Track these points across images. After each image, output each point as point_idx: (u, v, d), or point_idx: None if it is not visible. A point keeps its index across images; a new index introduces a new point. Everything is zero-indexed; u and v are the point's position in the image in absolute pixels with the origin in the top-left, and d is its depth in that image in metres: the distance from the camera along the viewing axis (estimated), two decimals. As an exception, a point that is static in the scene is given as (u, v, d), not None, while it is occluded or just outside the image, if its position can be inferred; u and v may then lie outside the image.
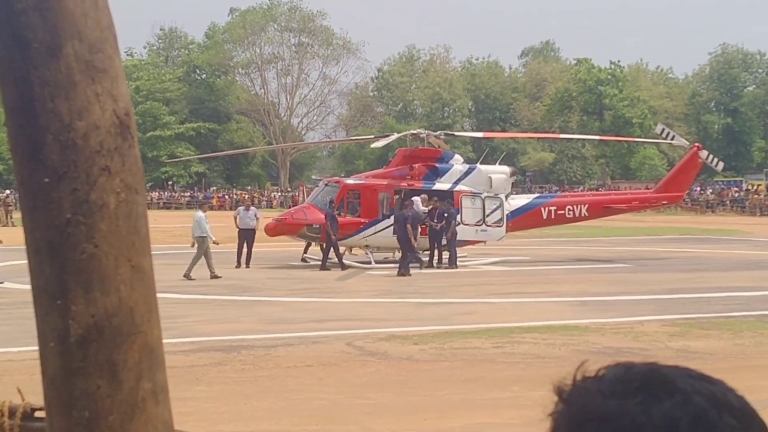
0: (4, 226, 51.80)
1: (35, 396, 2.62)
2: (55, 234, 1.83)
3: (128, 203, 1.87)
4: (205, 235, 24.72)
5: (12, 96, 1.85)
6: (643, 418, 1.09)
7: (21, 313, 17.99)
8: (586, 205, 32.73)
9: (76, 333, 1.83)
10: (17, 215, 53.79)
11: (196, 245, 24.79)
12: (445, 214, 27.72)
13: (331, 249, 27.23)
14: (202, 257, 24.33)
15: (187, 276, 23.54)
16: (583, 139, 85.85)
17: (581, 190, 70.98)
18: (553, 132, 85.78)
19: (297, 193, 67.63)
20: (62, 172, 1.82)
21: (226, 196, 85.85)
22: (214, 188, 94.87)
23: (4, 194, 60.02)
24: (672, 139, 34.83)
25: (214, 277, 23.89)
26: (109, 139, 1.86)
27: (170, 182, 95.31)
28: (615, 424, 1.10)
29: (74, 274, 1.82)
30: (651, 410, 1.09)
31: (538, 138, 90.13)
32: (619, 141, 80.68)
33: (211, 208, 76.75)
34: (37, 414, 2.62)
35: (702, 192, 75.55)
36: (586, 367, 1.22)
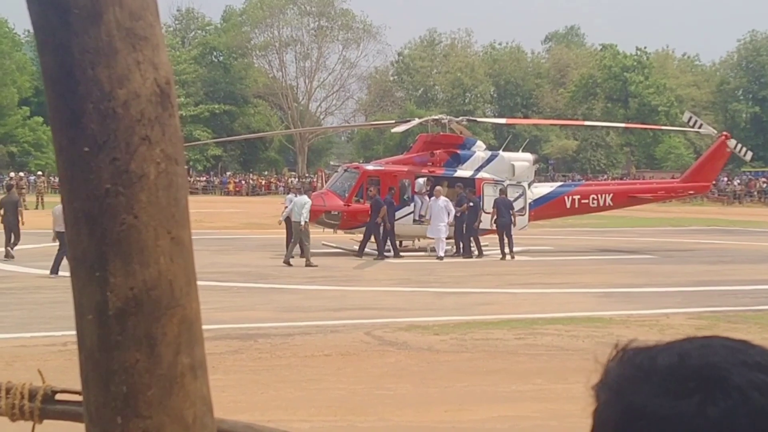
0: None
1: (50, 381, 2.62)
2: (94, 204, 1.81)
3: (168, 174, 1.86)
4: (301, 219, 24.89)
5: (51, 64, 1.85)
6: (699, 420, 1.05)
7: (33, 298, 18.14)
8: (611, 194, 32.60)
9: (114, 305, 1.82)
10: (30, 199, 54.08)
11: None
12: (470, 203, 27.63)
13: (372, 236, 27.45)
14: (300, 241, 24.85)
15: (309, 263, 24.46)
16: (608, 127, 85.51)
17: (605, 179, 70.70)
18: (577, 119, 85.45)
19: (315, 179, 67.70)
20: (102, 141, 1.81)
21: (243, 182, 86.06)
22: (230, 173, 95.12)
23: (18, 176, 60.38)
24: (699, 127, 34.63)
25: (309, 265, 24.45)
26: (150, 108, 1.85)
27: (186, 166, 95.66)
28: (668, 426, 1.06)
29: (113, 245, 1.81)
30: (707, 412, 1.05)
31: (562, 125, 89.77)
32: (645, 129, 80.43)
33: (227, 194, 77.23)
34: (58, 397, 2.61)
35: (729, 182, 75.17)
36: (635, 345, 1.15)
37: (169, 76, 1.90)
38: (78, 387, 2.67)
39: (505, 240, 27.60)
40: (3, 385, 2.66)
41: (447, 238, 28.34)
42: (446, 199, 27.44)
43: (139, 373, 1.83)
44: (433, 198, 27.75)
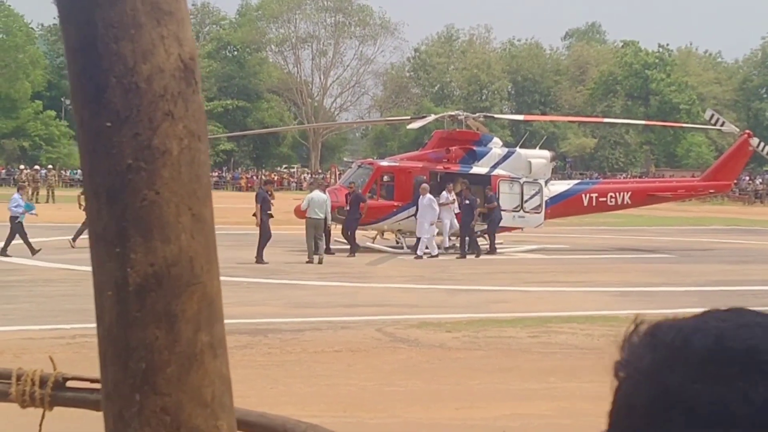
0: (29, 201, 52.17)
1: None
2: (116, 180, 1.82)
3: (191, 150, 1.87)
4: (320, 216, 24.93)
5: (74, 37, 1.85)
6: (739, 406, 0.99)
7: (42, 291, 18.24)
8: (629, 193, 32.49)
9: (134, 282, 1.82)
10: (42, 192, 54.35)
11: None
12: (466, 201, 27.39)
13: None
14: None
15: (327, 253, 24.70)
16: (627, 124, 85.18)
17: (623, 178, 70.49)
18: (596, 116, 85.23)
19: (329, 175, 67.76)
20: (124, 116, 1.81)
21: (255, 177, 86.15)
22: (243, 168, 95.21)
23: (34, 170, 60.59)
24: (722, 125, 34.50)
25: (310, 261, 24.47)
26: (173, 83, 1.86)
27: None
28: (706, 413, 0.99)
29: (134, 221, 1.82)
30: (750, 398, 0.99)
31: (581, 122, 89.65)
32: (666, 126, 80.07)
33: (239, 189, 77.25)
34: (69, 384, 2.62)
35: (751, 182, 74.81)
36: (660, 322, 1.08)
37: (193, 51, 1.92)
38: (88, 375, 2.68)
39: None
40: (14, 371, 2.67)
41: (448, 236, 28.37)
42: (431, 197, 27.13)
43: (158, 350, 1.84)
44: (420, 196, 27.45)
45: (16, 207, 24.72)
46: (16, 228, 24.41)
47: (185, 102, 1.87)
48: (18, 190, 26.83)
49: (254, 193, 27.17)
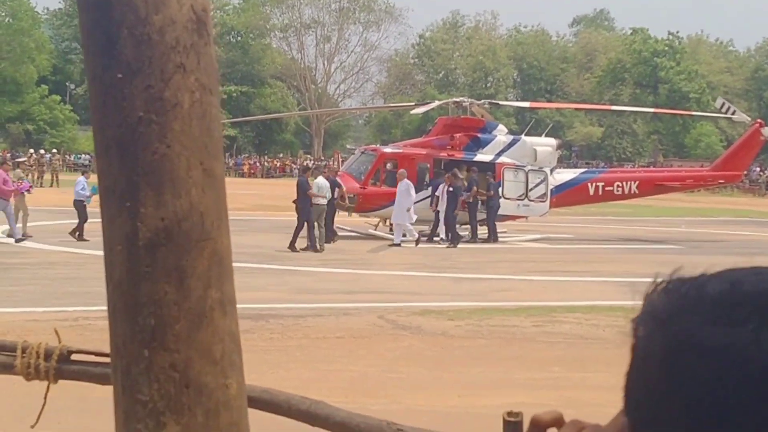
0: (31, 187, 52.19)
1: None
2: (126, 132, 1.82)
3: (202, 103, 1.87)
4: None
5: None
6: (753, 348, 0.97)
7: (46, 274, 18.31)
8: (637, 182, 32.41)
9: (144, 236, 1.84)
10: (47, 177, 54.53)
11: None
12: (450, 188, 27.21)
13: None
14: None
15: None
16: (635, 113, 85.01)
17: (630, 168, 70.36)
18: (604, 105, 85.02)
19: (332, 162, 67.71)
20: (136, 67, 1.82)
21: (258, 164, 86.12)
22: (245, 155, 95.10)
23: (39, 154, 60.53)
24: (733, 114, 34.35)
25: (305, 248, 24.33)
26: (186, 35, 1.86)
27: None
28: (721, 356, 0.98)
29: (144, 175, 1.82)
30: (761, 339, 0.97)
31: (588, 110, 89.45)
32: (675, 115, 79.77)
33: (242, 176, 77.25)
34: (74, 357, 2.63)
35: (762, 172, 74.60)
36: (678, 275, 1.07)
37: (205, 3, 1.92)
38: (92, 349, 2.68)
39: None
40: (19, 344, 2.67)
41: (463, 224, 28.34)
42: (409, 182, 26.87)
43: (167, 305, 1.85)
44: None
45: (82, 190, 24.57)
46: (81, 211, 24.26)
47: (197, 54, 1.87)
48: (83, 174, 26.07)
49: (259, 180, 27.22)
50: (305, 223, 24.30)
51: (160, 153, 1.83)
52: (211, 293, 1.89)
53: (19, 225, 24.26)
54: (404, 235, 26.65)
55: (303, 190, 24.85)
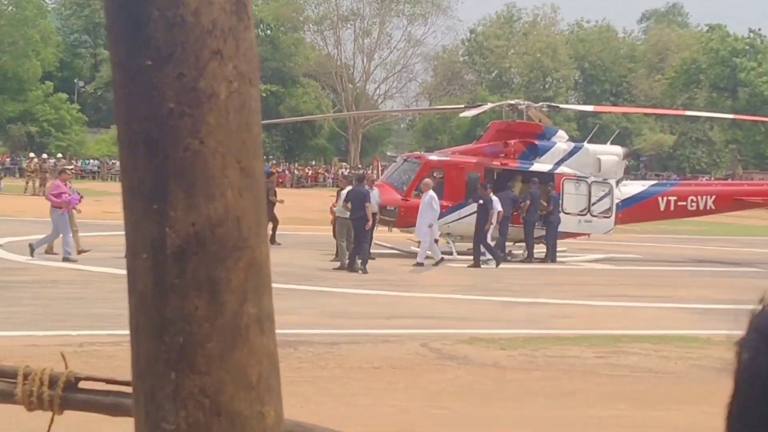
0: (33, 195, 52.82)
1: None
2: (155, 126, 1.80)
3: (241, 94, 1.84)
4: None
5: None
6: None
7: (47, 293, 18.42)
8: (713, 197, 32.20)
9: (173, 243, 1.81)
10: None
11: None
12: (480, 201, 26.99)
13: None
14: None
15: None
16: (712, 119, 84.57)
17: (706, 180, 69.99)
18: (676, 109, 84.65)
19: (371, 170, 67.85)
20: (167, 53, 1.80)
21: (287, 172, 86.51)
22: (273, 162, 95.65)
23: (41, 159, 61.17)
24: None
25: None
26: (224, 17, 1.83)
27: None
28: None
29: (174, 174, 1.80)
30: None
31: (658, 115, 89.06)
32: (756, 122, 79.27)
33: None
34: (82, 385, 2.62)
35: None
36: None
37: None
38: (102, 376, 2.65)
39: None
40: (20, 369, 2.66)
41: (517, 241, 28.25)
42: (433, 194, 26.56)
43: (197, 322, 1.82)
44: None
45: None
46: None
47: (236, 39, 1.85)
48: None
49: (288, 190, 27.38)
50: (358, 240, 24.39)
51: (193, 149, 1.80)
52: (248, 308, 1.86)
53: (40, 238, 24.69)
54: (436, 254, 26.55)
55: (362, 201, 24.78)
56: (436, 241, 26.80)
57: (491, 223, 26.83)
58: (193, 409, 1.84)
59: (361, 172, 56.63)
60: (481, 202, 26.84)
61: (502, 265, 26.62)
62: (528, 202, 27.99)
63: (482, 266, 26.19)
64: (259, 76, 1.93)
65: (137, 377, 1.90)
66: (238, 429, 1.87)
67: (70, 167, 40.62)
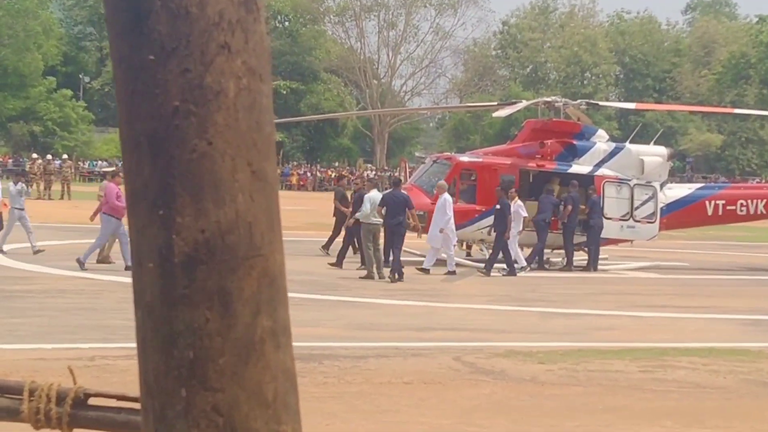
0: (38, 198, 52.68)
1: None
2: (160, 126, 1.80)
3: (251, 92, 1.83)
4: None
5: None
6: None
7: (55, 304, 18.46)
8: (764, 200, 32.02)
9: (181, 251, 1.81)
10: (56, 188, 54.87)
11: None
12: (497, 206, 26.61)
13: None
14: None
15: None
16: (763, 117, 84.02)
17: (757, 183, 69.55)
18: (724, 107, 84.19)
19: (398, 172, 67.73)
20: (171, 48, 1.79)
21: (308, 174, 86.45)
22: (294, 164, 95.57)
23: (46, 160, 61.01)
24: None
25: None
26: (231, 9, 1.82)
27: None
28: None
29: (181, 177, 1.80)
30: None
31: (705, 113, 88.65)
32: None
33: (290, 188, 77.77)
34: (92, 401, 2.59)
35: None
36: None
37: None
38: (114, 392, 2.67)
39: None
40: (26, 385, 2.63)
41: (555, 248, 28.21)
42: (448, 197, 26.48)
43: (209, 335, 1.82)
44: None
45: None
46: None
47: (245, 32, 1.84)
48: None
49: (309, 194, 27.45)
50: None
51: (200, 151, 1.80)
52: (262, 321, 1.86)
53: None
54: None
55: (402, 206, 24.96)
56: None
57: (519, 230, 26.83)
58: (206, 428, 1.83)
59: (390, 174, 56.60)
60: (498, 207, 26.60)
61: (540, 274, 26.59)
62: (569, 206, 27.90)
63: (518, 274, 26.17)
64: (270, 72, 1.91)
65: (146, 394, 1.89)
66: None
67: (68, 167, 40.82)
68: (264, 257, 1.86)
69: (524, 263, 27.12)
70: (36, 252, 25.42)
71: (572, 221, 28.07)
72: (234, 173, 1.81)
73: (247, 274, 1.83)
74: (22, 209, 26.32)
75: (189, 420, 1.83)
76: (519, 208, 26.84)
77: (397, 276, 23.92)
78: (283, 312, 1.91)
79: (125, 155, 1.86)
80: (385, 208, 24.60)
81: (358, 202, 26.44)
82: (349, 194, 30.35)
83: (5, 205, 26.28)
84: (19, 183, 26.91)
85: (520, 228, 27.01)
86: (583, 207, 28.53)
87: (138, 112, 1.82)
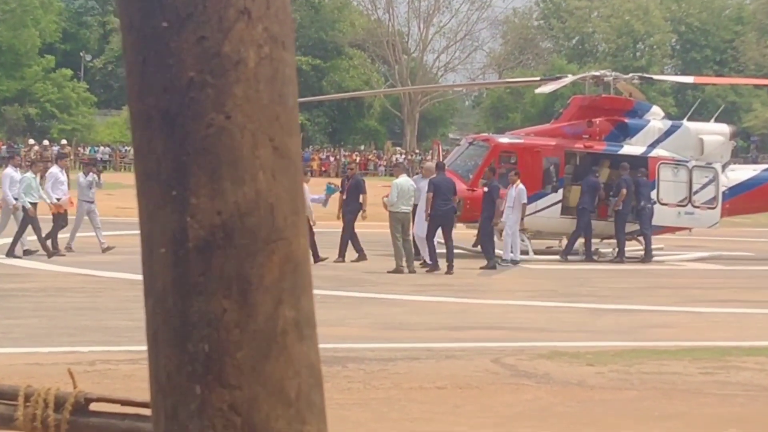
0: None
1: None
2: (174, 99, 1.80)
3: (273, 61, 1.84)
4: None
5: None
6: None
7: (53, 303, 18.61)
8: (840, 183, 31.87)
9: (196, 236, 1.81)
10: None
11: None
12: (485, 189, 26.54)
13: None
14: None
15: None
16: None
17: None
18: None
19: (430, 155, 67.90)
20: (186, 13, 1.79)
21: (331, 158, 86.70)
22: (315, 147, 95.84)
23: (42, 146, 61.60)
24: None
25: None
26: None
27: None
28: None
29: (197, 154, 1.80)
30: None
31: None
32: None
33: (311, 174, 78.15)
34: (93, 407, 2.63)
35: None
36: None
37: None
38: (117, 397, 2.65)
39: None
40: (21, 389, 2.66)
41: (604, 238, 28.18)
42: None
43: (226, 327, 1.82)
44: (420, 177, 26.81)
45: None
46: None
47: None
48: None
49: (333, 179, 27.51)
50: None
51: (218, 125, 1.80)
52: (284, 311, 1.87)
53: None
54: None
55: (452, 191, 25.30)
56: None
57: (519, 219, 26.82)
58: (223, 429, 1.84)
59: (422, 159, 56.69)
60: (485, 190, 26.53)
61: (589, 266, 26.56)
62: (623, 191, 27.78)
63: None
64: (294, 39, 1.93)
65: (157, 392, 1.90)
66: None
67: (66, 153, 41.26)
68: (287, 241, 1.86)
69: (518, 257, 26.90)
70: (105, 250, 26.02)
71: (626, 207, 27.94)
72: (254, 149, 1.82)
73: (268, 259, 1.84)
74: (92, 202, 27.13)
75: (204, 420, 1.84)
76: (520, 194, 26.62)
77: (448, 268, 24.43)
78: (308, 301, 1.94)
79: (135, 132, 1.87)
80: (432, 194, 24.57)
81: (353, 190, 26.57)
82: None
83: (71, 203, 26.84)
84: (90, 174, 27.74)
85: (519, 216, 26.76)
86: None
87: (150, 85, 1.83)
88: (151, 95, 1.81)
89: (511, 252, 26.86)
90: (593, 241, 29.06)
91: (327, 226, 28.36)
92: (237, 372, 1.82)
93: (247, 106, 1.80)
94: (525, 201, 26.77)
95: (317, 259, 24.87)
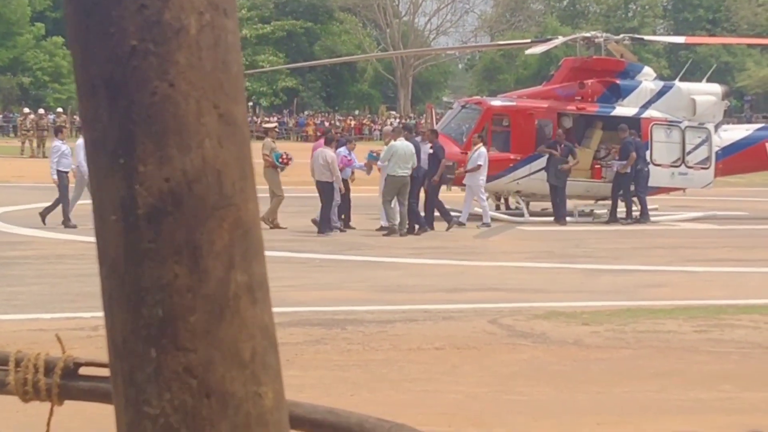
0: (32, 157, 52.94)
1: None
2: (117, 68, 1.78)
3: (214, 28, 1.81)
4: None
5: None
6: None
7: (54, 270, 18.61)
8: (834, 142, 31.84)
9: (145, 203, 1.79)
10: (50, 143, 54.85)
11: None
12: (430, 150, 26.18)
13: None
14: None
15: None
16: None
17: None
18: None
19: (423, 118, 67.69)
20: None
21: (325, 123, 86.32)
22: (309, 113, 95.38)
23: (38, 115, 61.02)
24: None
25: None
26: None
27: (250, 103, 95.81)
28: None
29: (142, 123, 1.78)
30: None
31: (765, 46, 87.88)
32: None
33: (305, 139, 77.67)
34: (83, 371, 2.54)
35: None
36: None
37: None
38: (105, 361, 2.68)
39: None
40: (12, 355, 2.64)
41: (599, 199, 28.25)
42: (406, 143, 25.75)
43: (178, 292, 1.80)
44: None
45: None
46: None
47: None
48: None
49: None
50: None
51: (162, 93, 1.77)
52: (235, 276, 1.83)
53: None
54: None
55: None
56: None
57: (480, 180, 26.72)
58: (179, 391, 1.82)
59: (416, 122, 56.44)
60: (431, 151, 26.15)
61: (584, 228, 26.64)
62: (633, 153, 27.70)
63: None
64: (236, 6, 1.89)
65: (114, 357, 1.87)
66: (231, 412, 1.85)
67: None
68: (236, 207, 1.84)
69: (464, 219, 26.84)
70: None
71: (632, 170, 27.79)
72: (199, 117, 1.80)
73: (218, 225, 1.82)
74: None
75: (160, 383, 1.82)
76: (479, 157, 26.57)
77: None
78: (259, 266, 1.89)
79: (82, 102, 1.84)
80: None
81: (434, 158, 26.18)
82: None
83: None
84: None
85: (479, 178, 26.65)
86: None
87: (93, 54, 1.81)
88: (95, 65, 1.79)
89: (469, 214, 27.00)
90: (588, 202, 29.21)
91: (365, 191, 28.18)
92: (191, 335, 1.79)
93: (191, 74, 1.77)
94: (480, 163, 26.53)
95: (348, 224, 25.37)
